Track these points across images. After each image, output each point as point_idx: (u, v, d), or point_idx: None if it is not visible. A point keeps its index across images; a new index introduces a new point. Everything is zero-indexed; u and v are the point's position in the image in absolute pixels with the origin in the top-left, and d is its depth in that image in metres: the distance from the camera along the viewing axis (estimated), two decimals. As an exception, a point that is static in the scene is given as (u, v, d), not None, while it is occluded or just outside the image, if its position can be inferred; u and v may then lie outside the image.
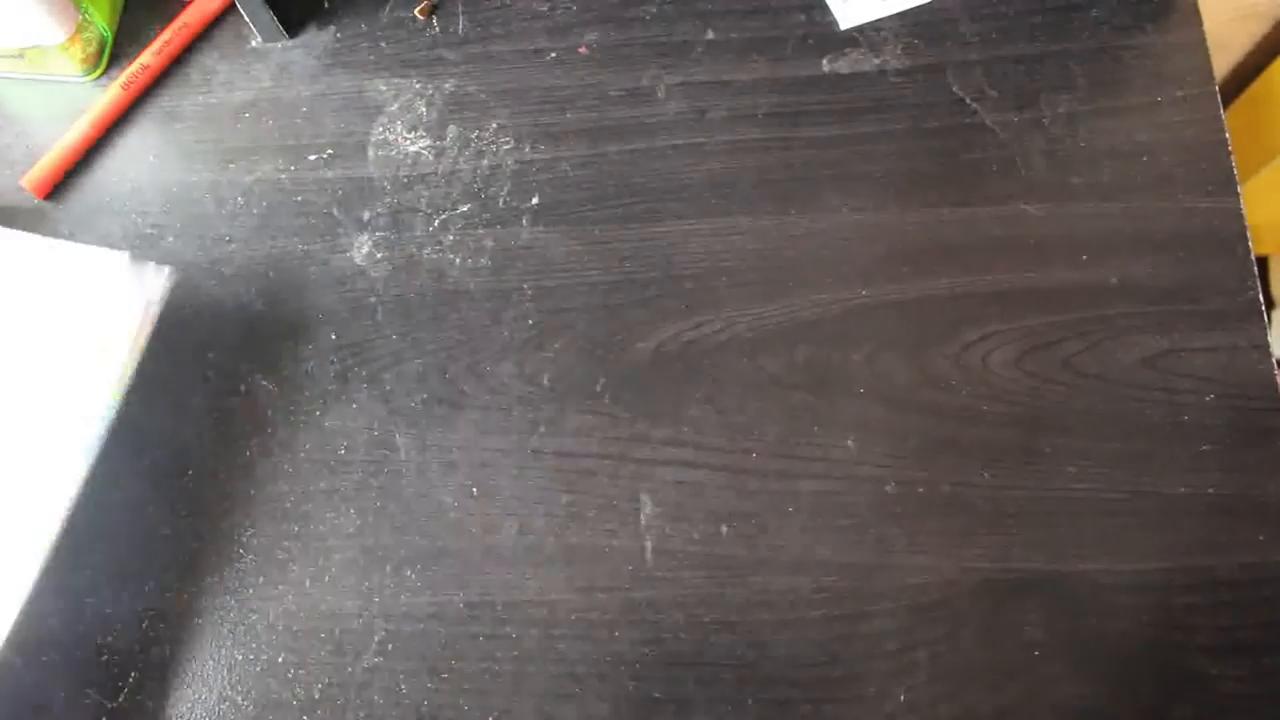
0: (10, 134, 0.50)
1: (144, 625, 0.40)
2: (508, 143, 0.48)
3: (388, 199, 0.47)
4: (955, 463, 0.41)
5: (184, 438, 0.43)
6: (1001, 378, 0.42)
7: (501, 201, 0.47)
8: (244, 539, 0.41)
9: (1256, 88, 0.77)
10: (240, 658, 0.40)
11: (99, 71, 0.51)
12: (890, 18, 0.50)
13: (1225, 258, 0.44)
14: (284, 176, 0.48)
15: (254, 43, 0.51)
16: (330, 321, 0.45)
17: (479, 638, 0.40)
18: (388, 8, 0.52)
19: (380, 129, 0.49)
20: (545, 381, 0.43)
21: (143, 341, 0.42)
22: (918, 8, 0.50)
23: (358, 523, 0.42)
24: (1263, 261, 0.92)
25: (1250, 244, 0.44)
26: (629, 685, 0.39)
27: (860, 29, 0.50)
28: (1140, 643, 0.39)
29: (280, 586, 0.41)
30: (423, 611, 0.40)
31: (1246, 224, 0.44)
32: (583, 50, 0.50)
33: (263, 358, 0.44)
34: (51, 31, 0.48)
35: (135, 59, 0.50)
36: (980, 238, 0.45)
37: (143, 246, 0.46)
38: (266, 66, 0.51)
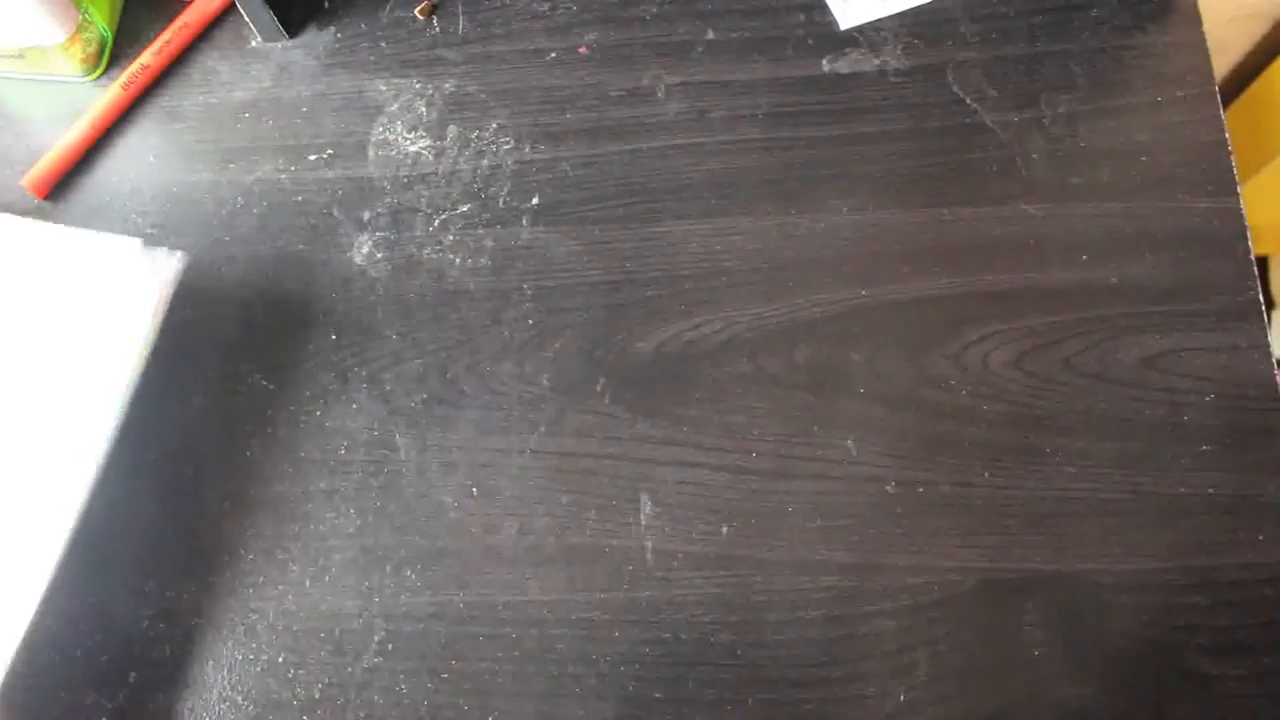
0: (10, 134, 0.50)
1: (144, 625, 0.40)
2: (508, 143, 0.48)
3: (388, 199, 0.47)
4: (955, 463, 0.41)
5: (184, 438, 0.43)
6: (1001, 378, 0.42)
7: (501, 201, 0.47)
8: (244, 539, 0.41)
9: (1256, 88, 0.77)
10: (240, 658, 0.40)
11: (99, 71, 0.51)
12: (890, 18, 0.50)
13: (1225, 258, 0.44)
14: (284, 176, 0.48)
15: (254, 43, 0.51)
16: (330, 321, 0.45)
17: (479, 638, 0.40)
18: (388, 8, 0.52)
19: (380, 129, 0.49)
20: (545, 381, 0.43)
21: (157, 325, 0.42)
22: (918, 8, 0.50)
23: (358, 523, 0.42)
24: (1263, 261, 0.92)
25: (1250, 244, 0.44)
26: (629, 685, 0.39)
27: (860, 29, 0.50)
28: (1140, 643, 0.39)
29: (280, 586, 0.41)
30: (423, 611, 0.40)
31: (1246, 224, 0.44)
32: (583, 50, 0.50)
33: (263, 358, 0.44)
34: (51, 31, 0.48)
35: (135, 59, 0.50)
36: (980, 238, 0.45)
37: (143, 246, 0.47)
38: (266, 66, 0.51)
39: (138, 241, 0.42)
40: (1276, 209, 0.78)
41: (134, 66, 0.50)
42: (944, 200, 0.46)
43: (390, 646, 0.40)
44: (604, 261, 0.46)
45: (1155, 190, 0.45)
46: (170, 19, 0.51)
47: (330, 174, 0.48)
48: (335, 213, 0.47)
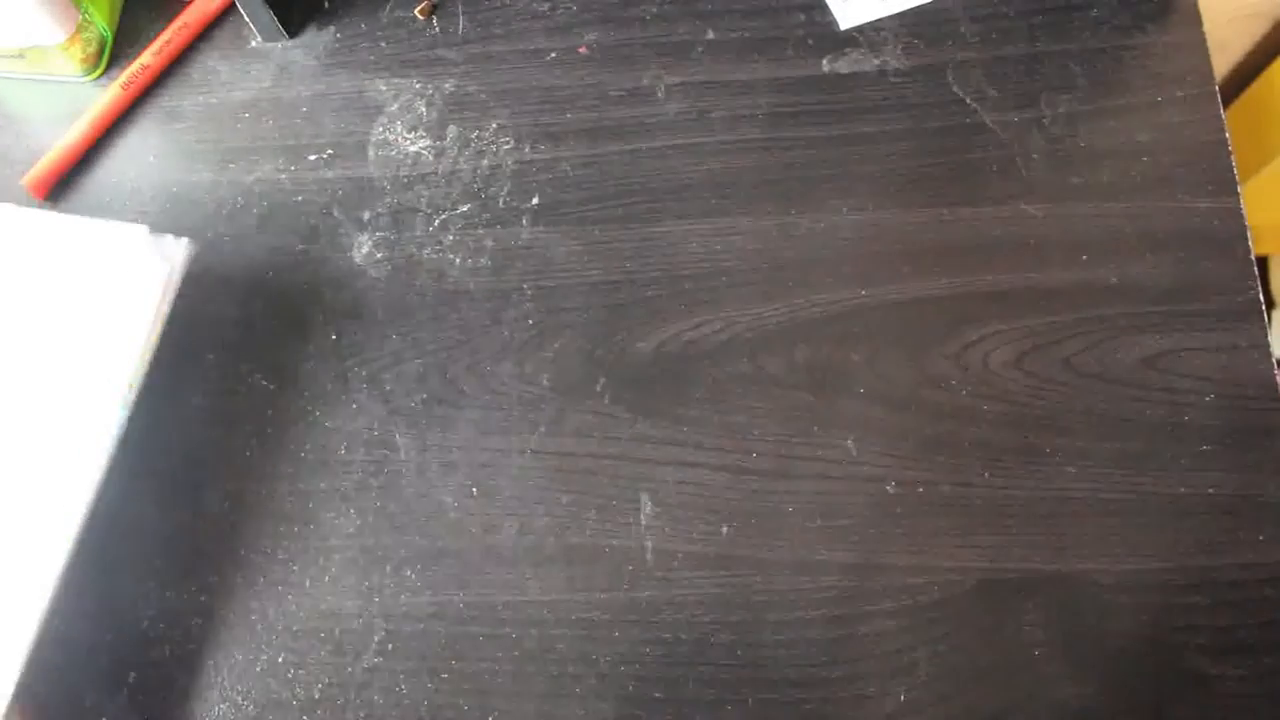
0: (10, 134, 0.50)
1: (144, 625, 0.40)
2: (508, 143, 0.48)
3: (388, 199, 0.47)
4: (955, 463, 0.41)
5: (184, 438, 0.43)
6: (1001, 378, 0.42)
7: (501, 201, 0.47)
8: (244, 539, 0.41)
9: (1256, 88, 0.77)
10: (240, 658, 0.40)
11: (99, 71, 0.51)
12: (890, 18, 0.50)
13: (1225, 258, 0.44)
14: (284, 176, 0.48)
15: (254, 43, 0.51)
16: (330, 321, 0.45)
17: (479, 638, 0.40)
18: (388, 8, 0.52)
19: (380, 129, 0.49)
20: (545, 381, 0.43)
21: (166, 312, 0.42)
22: (918, 8, 0.50)
23: (358, 523, 0.42)
24: (1263, 261, 0.92)
25: (1250, 244, 0.44)
26: (629, 685, 0.39)
27: (860, 29, 0.50)
28: (1140, 643, 0.39)
29: (280, 586, 0.41)
30: (423, 611, 0.40)
31: (1246, 224, 0.44)
32: (583, 50, 0.50)
33: (263, 358, 0.44)
34: (51, 31, 0.48)
35: (135, 59, 0.50)
36: (980, 238, 0.45)
37: (143, 246, 0.47)
38: (266, 66, 0.51)
39: (144, 229, 0.42)
40: (1276, 209, 0.78)
41: (134, 66, 0.50)
42: (944, 200, 0.46)
43: (390, 646, 0.40)
44: (604, 261, 0.46)
45: (1155, 190, 0.45)
46: (170, 19, 0.51)
47: (330, 174, 0.48)
48: (335, 213, 0.47)
